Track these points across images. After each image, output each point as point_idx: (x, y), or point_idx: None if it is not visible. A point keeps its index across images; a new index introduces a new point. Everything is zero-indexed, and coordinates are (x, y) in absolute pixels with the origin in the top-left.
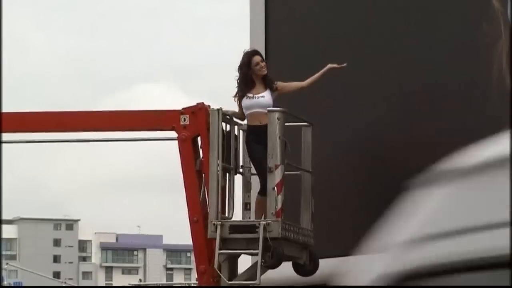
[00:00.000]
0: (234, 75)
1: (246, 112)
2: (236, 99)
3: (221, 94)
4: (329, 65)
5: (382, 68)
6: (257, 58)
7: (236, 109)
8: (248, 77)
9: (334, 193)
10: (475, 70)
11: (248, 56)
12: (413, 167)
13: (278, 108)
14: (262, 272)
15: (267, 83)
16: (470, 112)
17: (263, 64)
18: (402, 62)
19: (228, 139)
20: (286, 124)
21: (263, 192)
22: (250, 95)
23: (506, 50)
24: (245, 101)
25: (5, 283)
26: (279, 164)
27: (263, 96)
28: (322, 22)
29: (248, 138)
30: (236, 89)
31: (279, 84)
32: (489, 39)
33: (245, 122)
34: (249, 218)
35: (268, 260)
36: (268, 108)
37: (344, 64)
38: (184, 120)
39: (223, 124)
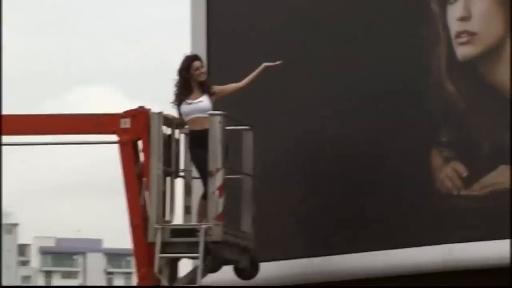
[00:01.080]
0: (175, 78)
1: (186, 118)
2: (174, 105)
3: (163, 97)
4: (264, 64)
5: (324, 70)
6: (197, 63)
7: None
8: (187, 81)
9: (275, 196)
10: (416, 73)
11: (189, 61)
12: (355, 169)
13: (219, 112)
14: (203, 276)
15: (205, 88)
16: (410, 113)
17: (203, 69)
18: (345, 64)
19: (169, 142)
20: (226, 128)
21: (206, 196)
22: (189, 100)
23: (445, 54)
24: (184, 107)
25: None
26: (220, 168)
27: (202, 101)
28: (263, 24)
29: (190, 144)
30: (174, 94)
31: (216, 88)
32: (428, 43)
33: (186, 126)
34: (190, 221)
35: (209, 264)
36: (209, 112)
37: (278, 62)
38: (125, 124)
39: (164, 127)
